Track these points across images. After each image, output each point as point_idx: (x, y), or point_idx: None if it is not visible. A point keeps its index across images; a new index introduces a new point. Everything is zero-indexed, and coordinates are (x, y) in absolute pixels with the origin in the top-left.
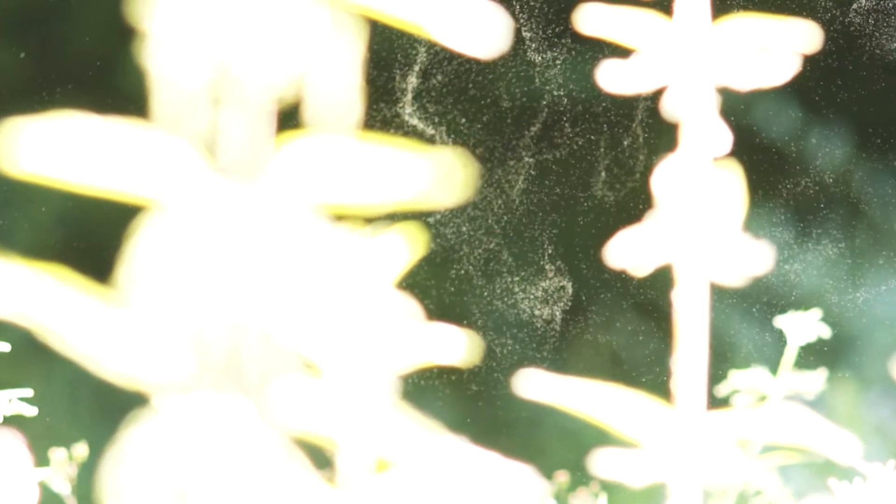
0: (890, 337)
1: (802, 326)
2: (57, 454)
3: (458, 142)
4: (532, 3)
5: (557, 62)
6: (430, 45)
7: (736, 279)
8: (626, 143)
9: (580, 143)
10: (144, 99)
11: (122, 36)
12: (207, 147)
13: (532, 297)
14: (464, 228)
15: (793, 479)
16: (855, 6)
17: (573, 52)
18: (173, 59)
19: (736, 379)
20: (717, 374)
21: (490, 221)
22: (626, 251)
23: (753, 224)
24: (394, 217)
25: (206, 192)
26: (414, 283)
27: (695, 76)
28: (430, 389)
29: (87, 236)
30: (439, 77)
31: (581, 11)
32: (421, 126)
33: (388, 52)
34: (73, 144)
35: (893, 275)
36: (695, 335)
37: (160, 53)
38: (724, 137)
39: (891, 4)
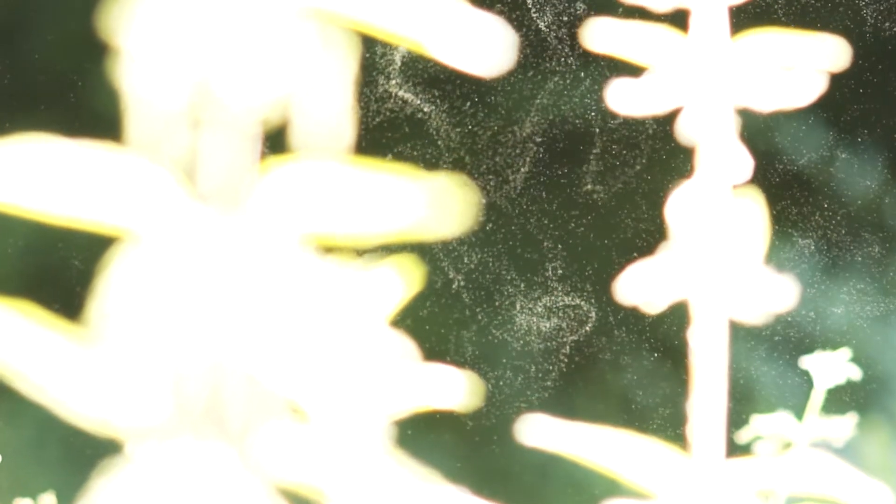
0: None
1: (830, 367)
2: None
3: (457, 166)
4: (537, 18)
5: (564, 81)
6: (429, 63)
7: (757, 316)
8: (637, 168)
9: (588, 169)
10: (118, 120)
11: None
12: (186, 173)
13: (537, 335)
14: (463, 260)
15: None
16: (888, 21)
17: (581, 71)
18: (149, 77)
19: (758, 424)
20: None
21: (492, 253)
22: (639, 286)
23: (776, 257)
24: (388, 249)
25: (185, 221)
26: (410, 320)
27: (712, 96)
28: (427, 436)
29: (55, 269)
30: (438, 97)
31: (589, 26)
32: (417, 150)
33: (383, 70)
34: (41, 169)
35: None
36: (713, 377)
37: (135, 71)
38: (745, 163)
39: None
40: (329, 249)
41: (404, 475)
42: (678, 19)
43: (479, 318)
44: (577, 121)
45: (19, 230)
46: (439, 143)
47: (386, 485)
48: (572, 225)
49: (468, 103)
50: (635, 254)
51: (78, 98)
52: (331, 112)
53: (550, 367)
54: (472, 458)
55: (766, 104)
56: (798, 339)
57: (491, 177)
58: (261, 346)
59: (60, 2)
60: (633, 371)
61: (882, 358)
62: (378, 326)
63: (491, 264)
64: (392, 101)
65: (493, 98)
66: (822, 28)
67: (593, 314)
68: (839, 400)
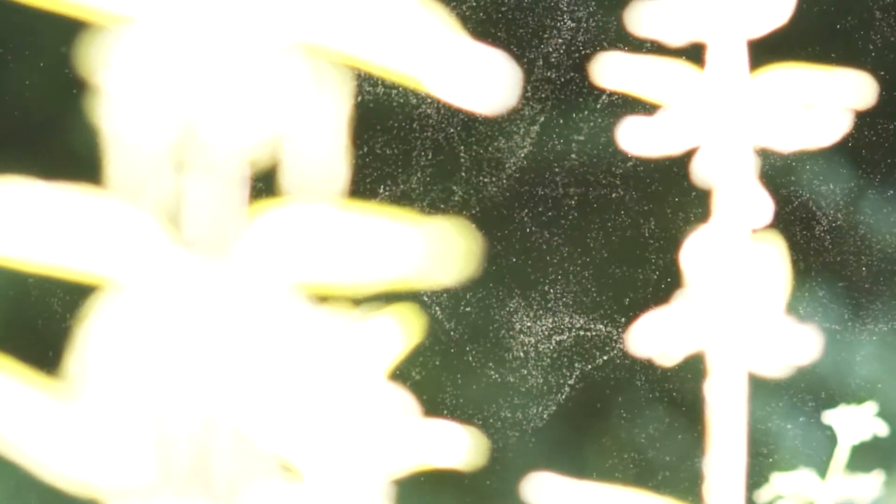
0: None
1: (855, 422)
2: None
3: (458, 210)
4: (543, 52)
5: (573, 119)
6: (427, 100)
7: (778, 369)
8: (651, 212)
9: (599, 212)
10: (98, 163)
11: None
12: (170, 218)
13: (544, 388)
14: (466, 310)
15: None
16: None
17: (591, 108)
18: (131, 117)
19: (779, 483)
20: (756, 477)
21: (496, 302)
22: (653, 336)
23: (798, 305)
24: (385, 298)
25: (169, 269)
26: (409, 373)
27: (730, 135)
28: (427, 496)
29: (32, 319)
30: (437, 136)
31: (600, 61)
32: (415, 192)
33: (378, 108)
34: (17, 214)
35: None
36: (731, 432)
37: (116, 111)
38: (764, 206)
39: None
40: (323, 299)
41: None
42: (694, 54)
43: (483, 370)
44: (585, 161)
45: None
46: (439, 184)
47: None
48: (581, 272)
49: (470, 142)
50: (649, 303)
51: (56, 139)
52: (323, 153)
53: (558, 423)
54: None
55: (786, 144)
56: (821, 392)
57: (494, 220)
58: (251, 401)
59: (38, 39)
60: (647, 426)
61: None
62: (376, 380)
63: (495, 313)
64: (389, 139)
65: (495, 137)
66: (846, 63)
67: (605, 367)
68: (864, 457)
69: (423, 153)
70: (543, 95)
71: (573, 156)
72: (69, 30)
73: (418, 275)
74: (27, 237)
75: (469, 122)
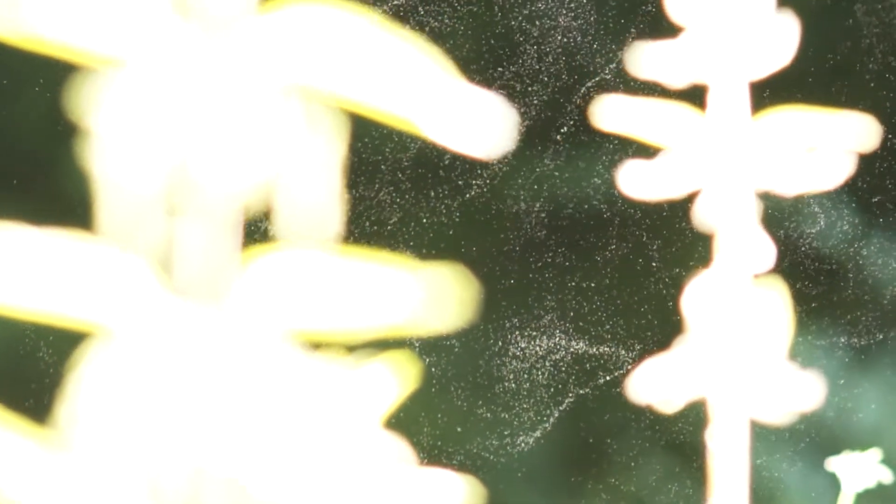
0: None
1: (859, 469)
2: None
3: (454, 256)
4: (541, 95)
5: (572, 163)
6: (423, 144)
7: (780, 415)
8: (651, 257)
9: (597, 257)
10: (89, 207)
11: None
12: (162, 263)
13: (542, 436)
14: (462, 356)
15: None
16: None
17: (590, 152)
18: (122, 160)
19: None
20: None
21: (493, 348)
22: (653, 383)
23: (801, 351)
24: (380, 344)
25: (161, 315)
26: (404, 420)
27: (732, 179)
28: None
29: (21, 367)
30: (433, 180)
31: (599, 104)
32: (410, 238)
33: (373, 152)
34: (6, 260)
35: None
36: (733, 481)
37: (107, 154)
38: (767, 250)
39: None
40: (317, 345)
41: None
42: (695, 96)
43: (479, 417)
44: (584, 205)
45: None
46: (434, 229)
47: None
48: (580, 317)
49: (467, 186)
50: (650, 350)
51: (47, 183)
52: (317, 198)
53: (556, 471)
54: None
55: (789, 187)
56: (824, 439)
57: (491, 266)
58: (244, 450)
59: (28, 82)
60: (648, 474)
61: None
62: (371, 428)
63: (492, 359)
64: (384, 184)
65: (492, 181)
66: (849, 106)
67: (605, 413)
68: None
69: (418, 198)
70: (542, 139)
71: (572, 200)
72: (60, 73)
73: (413, 321)
74: (17, 283)
75: (465, 166)
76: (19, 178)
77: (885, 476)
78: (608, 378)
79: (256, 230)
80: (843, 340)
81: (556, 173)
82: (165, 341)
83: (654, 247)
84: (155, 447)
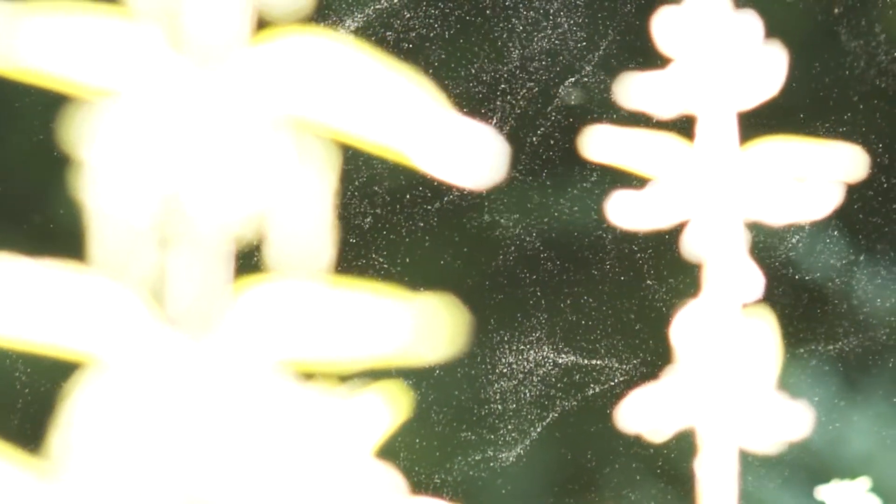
0: None
1: (848, 498)
2: None
3: (445, 286)
4: (530, 127)
5: (561, 193)
6: (415, 175)
7: (769, 445)
8: (640, 287)
9: (587, 286)
10: (82, 238)
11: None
12: (154, 294)
13: (533, 466)
14: (453, 387)
15: None
16: None
17: (580, 182)
18: (114, 192)
19: None
20: None
21: (483, 378)
22: (643, 413)
23: (789, 380)
24: (372, 375)
25: (154, 345)
26: (396, 450)
27: (720, 209)
28: None
29: (14, 397)
30: (425, 211)
31: (588, 135)
32: (402, 268)
33: (365, 183)
34: None
35: None
36: None
37: (100, 185)
38: (755, 280)
39: None
40: (309, 376)
41: None
42: (684, 127)
43: (470, 449)
44: (573, 236)
45: None
46: (426, 260)
47: None
48: (570, 348)
49: (458, 217)
50: (639, 378)
51: (40, 214)
52: (309, 228)
53: (546, 500)
54: None
55: (777, 217)
56: (813, 467)
57: (482, 296)
58: (236, 481)
59: (19, 112)
60: (638, 503)
61: None
62: (363, 458)
63: (483, 389)
64: (375, 214)
65: (483, 211)
66: (837, 136)
67: (594, 442)
68: None
69: (410, 228)
70: (532, 169)
71: (562, 230)
72: (53, 103)
73: (405, 351)
74: (10, 313)
75: (457, 197)
76: (12, 208)
77: None
78: (598, 406)
79: (248, 261)
80: (831, 369)
81: (546, 204)
82: (158, 371)
83: (644, 277)
84: (147, 476)
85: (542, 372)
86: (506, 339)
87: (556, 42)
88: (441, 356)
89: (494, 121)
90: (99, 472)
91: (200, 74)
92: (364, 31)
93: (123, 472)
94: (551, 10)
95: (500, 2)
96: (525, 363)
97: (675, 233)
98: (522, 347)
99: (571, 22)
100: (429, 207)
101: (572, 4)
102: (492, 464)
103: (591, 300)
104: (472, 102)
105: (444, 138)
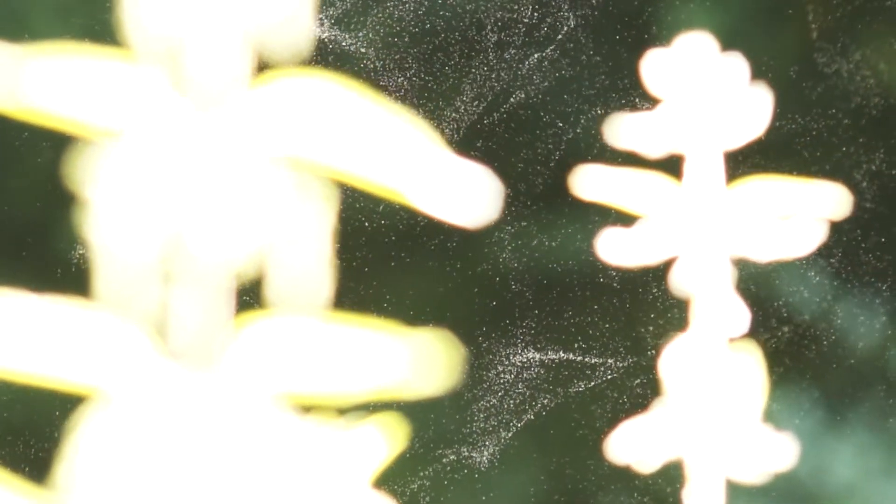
0: None
1: None
2: None
3: (441, 322)
4: (524, 167)
5: (553, 230)
6: (410, 213)
7: (756, 475)
8: (630, 321)
9: (578, 322)
10: (87, 274)
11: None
12: (157, 329)
13: (525, 496)
14: (449, 420)
15: None
16: (889, 167)
17: (571, 219)
18: (118, 229)
19: None
20: None
21: (478, 411)
22: (631, 444)
23: (775, 412)
24: (369, 407)
25: (156, 379)
26: (394, 481)
27: (708, 246)
28: None
29: (20, 429)
30: (420, 248)
31: (579, 174)
32: (398, 304)
33: (362, 221)
34: (5, 325)
35: None
36: None
37: (103, 224)
38: (741, 315)
39: None
40: (308, 408)
41: None
42: (672, 166)
43: (466, 480)
44: (565, 272)
45: None
46: (422, 296)
47: None
48: (562, 382)
49: (453, 254)
50: (628, 410)
51: (44, 252)
52: (308, 265)
53: None
54: None
55: (763, 254)
56: (798, 496)
57: (475, 330)
58: None
59: (25, 150)
60: None
61: None
62: (360, 488)
63: (476, 423)
64: (372, 252)
65: (477, 248)
66: (821, 175)
67: (583, 475)
68: None
69: (406, 265)
70: (525, 207)
71: (553, 266)
72: (58, 144)
73: (402, 385)
74: (16, 347)
75: (452, 235)
76: (20, 245)
77: None
78: (589, 439)
79: (249, 297)
80: (815, 401)
81: (538, 241)
82: (161, 404)
83: (633, 312)
84: None
85: (533, 403)
86: (500, 368)
87: (549, 83)
88: (436, 390)
89: (488, 160)
90: (104, 502)
91: (202, 116)
92: (361, 74)
93: (127, 501)
94: (545, 54)
95: (494, 46)
96: (517, 396)
97: (663, 269)
98: (515, 381)
99: (564, 64)
100: (425, 245)
101: (565, 47)
102: (480, 492)
103: (582, 333)
104: (466, 143)
105: (440, 178)
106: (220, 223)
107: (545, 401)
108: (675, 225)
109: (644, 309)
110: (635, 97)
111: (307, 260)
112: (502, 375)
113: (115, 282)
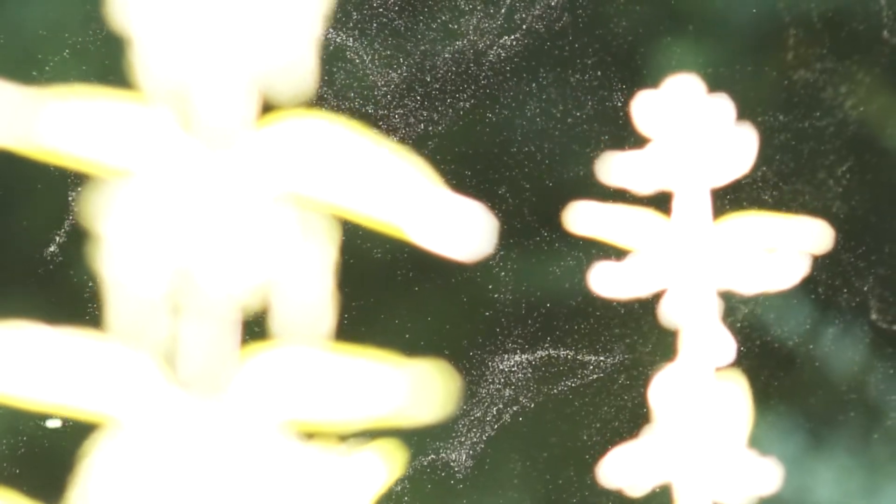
0: None
1: None
2: None
3: (438, 352)
4: (518, 203)
5: (546, 264)
6: (409, 249)
7: (742, 499)
8: (621, 351)
9: (571, 352)
10: (98, 307)
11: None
12: (167, 359)
13: None
14: (446, 446)
15: None
16: (866, 203)
17: (564, 254)
18: (129, 263)
19: None
20: None
21: (474, 438)
22: (622, 469)
23: (760, 438)
24: (370, 434)
25: (166, 407)
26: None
27: (695, 279)
28: None
29: (35, 456)
30: (419, 282)
31: (572, 209)
32: (397, 335)
33: (362, 256)
34: (20, 356)
35: None
36: None
37: (115, 258)
38: (727, 345)
39: None
40: (311, 435)
41: None
42: (661, 202)
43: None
44: (559, 303)
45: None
46: (419, 327)
47: None
48: (556, 407)
49: (449, 287)
50: (619, 437)
51: (59, 285)
52: (311, 298)
53: None
54: None
55: (748, 286)
56: None
57: (472, 361)
58: None
59: (39, 186)
60: None
61: None
62: None
63: (473, 449)
64: (372, 285)
65: (473, 282)
66: (804, 211)
67: (577, 499)
68: None
69: (405, 298)
70: (519, 242)
71: (547, 299)
72: (73, 182)
73: (400, 413)
74: (32, 379)
75: (448, 269)
76: (36, 279)
77: None
78: (581, 465)
79: (254, 328)
80: (798, 427)
81: (532, 275)
82: (170, 431)
83: (624, 341)
84: None
85: (527, 435)
86: (494, 396)
87: (543, 124)
88: (434, 417)
89: (484, 197)
90: None
91: (209, 155)
92: (361, 115)
93: None
94: (539, 95)
95: (488, 88)
96: (513, 417)
97: (653, 301)
98: (511, 402)
99: (557, 104)
100: (423, 278)
101: (559, 89)
102: None
103: (574, 364)
104: (463, 181)
105: (437, 214)
106: (227, 258)
107: (538, 427)
108: (664, 258)
109: (634, 338)
110: (626, 136)
111: (310, 293)
112: (497, 404)
113: (127, 314)
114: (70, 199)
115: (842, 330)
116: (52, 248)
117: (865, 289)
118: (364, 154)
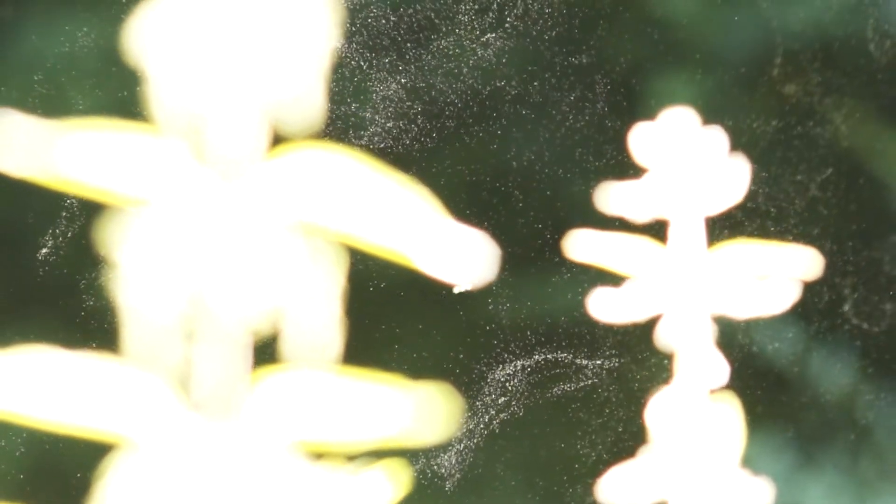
0: None
1: None
2: None
3: (441, 375)
4: (519, 231)
5: (546, 289)
6: (414, 275)
7: None
8: (618, 373)
9: (571, 374)
10: (115, 332)
11: (91, 265)
12: (181, 382)
13: None
14: (449, 465)
15: None
16: (855, 232)
17: (563, 280)
18: (144, 290)
19: None
20: None
21: (477, 459)
22: (619, 488)
23: (752, 457)
24: (376, 454)
25: (179, 429)
26: None
27: (690, 304)
28: None
29: (53, 476)
30: (424, 308)
31: (571, 237)
32: (403, 359)
33: (370, 282)
34: (40, 379)
35: None
36: None
37: (131, 284)
38: (721, 368)
39: (890, 228)
40: (320, 455)
41: None
42: (657, 230)
43: None
44: (557, 328)
45: (19, 437)
46: (424, 352)
47: None
48: (557, 429)
49: (453, 313)
50: (617, 456)
51: (76, 311)
52: (320, 323)
53: None
54: None
55: (741, 311)
56: None
57: (474, 385)
58: None
59: (58, 214)
60: None
61: None
62: None
63: (475, 468)
64: (379, 311)
65: (476, 307)
66: (795, 239)
67: None
68: None
69: (410, 323)
70: (520, 269)
71: (547, 323)
72: (90, 211)
73: (406, 433)
74: (51, 401)
75: (452, 295)
76: (54, 305)
77: None
78: (580, 484)
79: (265, 353)
80: (790, 446)
81: (533, 300)
82: (184, 452)
83: (620, 365)
84: None
85: (528, 456)
86: (495, 417)
87: (543, 154)
88: (438, 438)
89: (486, 226)
90: None
91: (222, 185)
92: (368, 146)
93: None
94: (540, 127)
95: (491, 121)
96: (514, 438)
97: (649, 325)
98: (512, 423)
99: (557, 136)
100: (428, 304)
101: (558, 121)
102: None
103: (575, 386)
104: (466, 209)
105: (441, 242)
106: (239, 284)
107: (538, 447)
108: (660, 285)
109: (631, 362)
110: (623, 167)
111: (319, 318)
112: (497, 424)
113: (142, 339)
114: (88, 227)
115: (831, 353)
116: (70, 275)
117: (853, 314)
118: (371, 184)
